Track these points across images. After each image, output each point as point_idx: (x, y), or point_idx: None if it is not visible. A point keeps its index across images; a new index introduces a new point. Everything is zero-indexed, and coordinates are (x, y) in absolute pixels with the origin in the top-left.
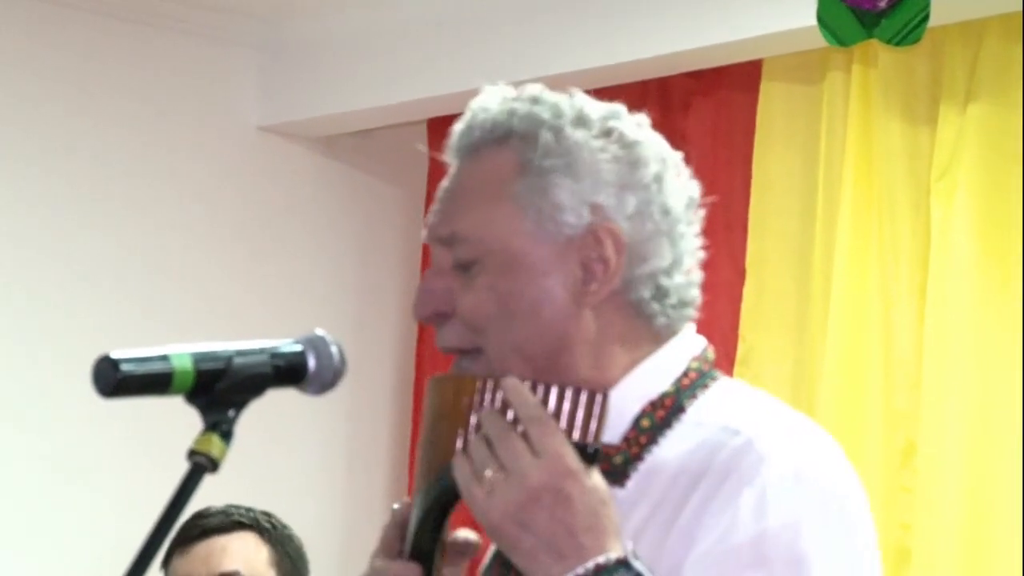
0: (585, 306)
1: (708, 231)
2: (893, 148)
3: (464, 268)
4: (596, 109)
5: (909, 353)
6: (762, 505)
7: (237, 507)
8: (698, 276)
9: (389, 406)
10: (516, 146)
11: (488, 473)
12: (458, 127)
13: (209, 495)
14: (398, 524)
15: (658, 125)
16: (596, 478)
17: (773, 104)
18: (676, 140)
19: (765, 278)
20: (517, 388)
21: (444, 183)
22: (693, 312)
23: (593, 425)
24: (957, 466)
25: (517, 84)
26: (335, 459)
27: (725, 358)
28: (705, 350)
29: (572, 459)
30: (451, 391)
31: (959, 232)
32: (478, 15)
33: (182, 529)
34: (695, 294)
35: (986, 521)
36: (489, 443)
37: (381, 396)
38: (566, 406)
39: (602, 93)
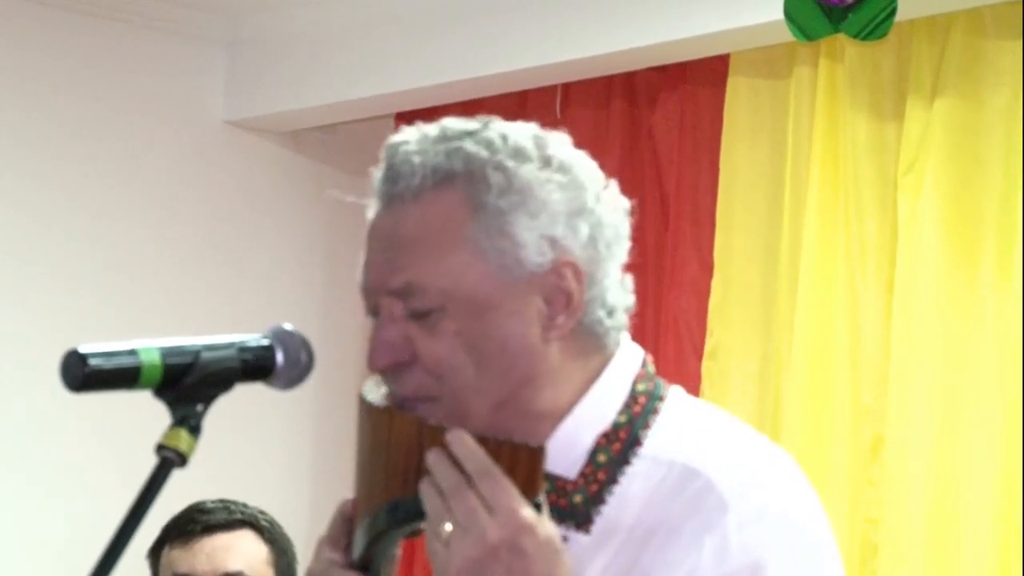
0: (551, 340)
1: (675, 225)
2: (860, 143)
3: (421, 316)
4: (525, 137)
5: (876, 348)
6: (724, 549)
7: (233, 502)
8: (629, 280)
9: (356, 401)
10: (462, 188)
11: (446, 528)
12: (383, 173)
13: (177, 490)
14: (346, 518)
15: (624, 120)
16: (549, 528)
17: (740, 99)
18: (642, 135)
19: (732, 273)
20: (464, 441)
21: (377, 230)
22: (626, 319)
23: (535, 479)
24: (924, 461)
25: (483, 79)
26: (302, 454)
27: (693, 353)
28: (645, 364)
29: (526, 513)
30: (386, 425)
31: (926, 226)
32: (445, 9)
33: (181, 522)
34: (630, 300)
35: (953, 516)
36: (442, 495)
37: (348, 390)
38: (506, 461)
39: (568, 87)
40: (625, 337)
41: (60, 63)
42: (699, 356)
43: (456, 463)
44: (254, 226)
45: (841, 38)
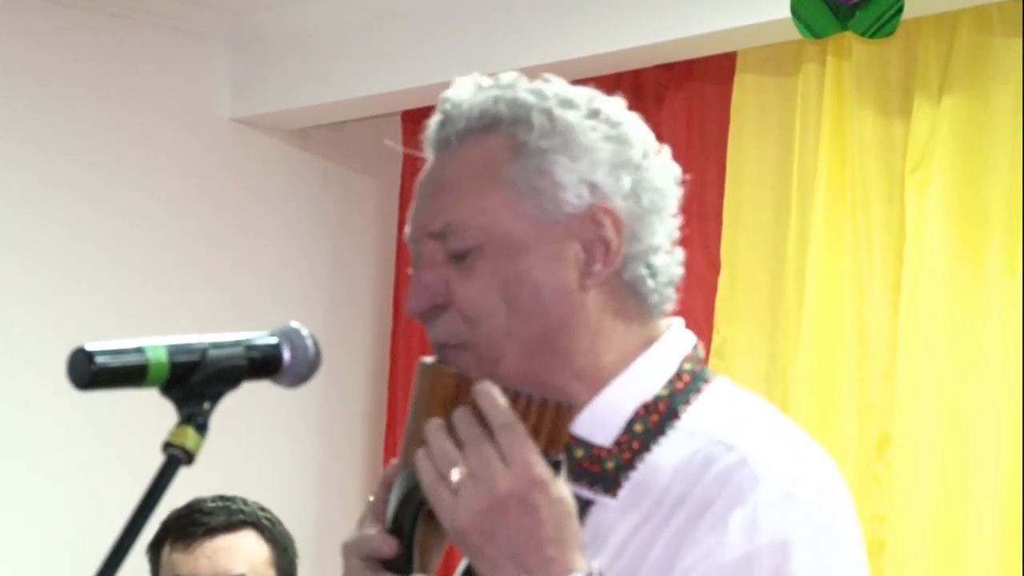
0: (588, 288)
1: (682, 222)
2: (867, 140)
3: (459, 258)
4: (577, 91)
5: (883, 345)
6: (752, 525)
7: (233, 500)
8: (680, 254)
9: (363, 398)
10: (506, 131)
11: (455, 475)
12: (436, 119)
13: (183, 487)
14: (386, 486)
15: None
16: (562, 489)
17: (747, 96)
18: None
19: (739, 270)
20: (489, 393)
21: (424, 177)
22: (675, 291)
23: (559, 437)
24: (931, 458)
25: (490, 76)
26: (310, 451)
27: None
28: (696, 348)
29: (541, 468)
30: (430, 381)
31: (933, 224)
32: (452, 7)
33: (182, 524)
34: (679, 272)
35: (960, 512)
36: (459, 444)
37: (355, 388)
38: (534, 415)
39: (575, 85)
40: (679, 321)
41: (66, 60)
42: (706, 353)
43: (481, 416)
44: (261, 224)
45: (848, 36)
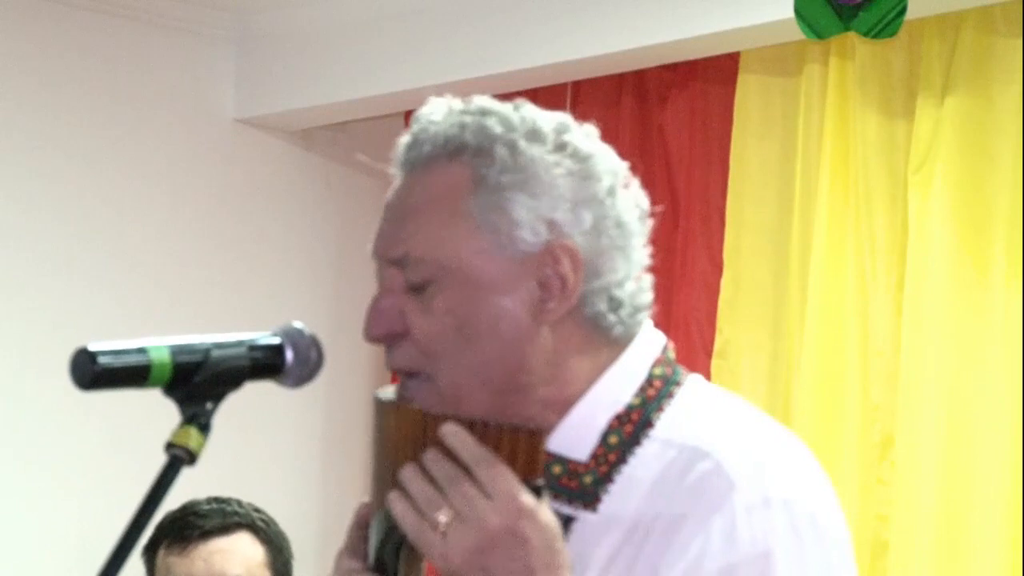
0: (543, 324)
1: (685, 223)
2: (870, 140)
3: (418, 289)
4: (547, 122)
5: (886, 345)
6: (732, 534)
7: (227, 502)
8: (648, 281)
9: (366, 399)
10: (469, 161)
11: (442, 519)
12: (405, 140)
13: (185, 487)
14: (361, 525)
15: (635, 117)
16: (547, 514)
17: (750, 97)
18: (653, 132)
19: (742, 270)
20: (457, 434)
21: (391, 199)
22: (646, 316)
23: (536, 462)
24: (934, 459)
25: (494, 77)
26: (312, 451)
27: (702, 350)
28: (665, 350)
29: (525, 498)
30: (394, 420)
31: (936, 224)
32: (455, 7)
33: (177, 527)
34: (647, 299)
35: (963, 513)
36: (437, 486)
37: (358, 389)
38: (506, 445)
39: (579, 85)
40: (647, 324)
41: (70, 61)
42: (709, 354)
43: (452, 456)
44: (264, 224)
45: (852, 36)
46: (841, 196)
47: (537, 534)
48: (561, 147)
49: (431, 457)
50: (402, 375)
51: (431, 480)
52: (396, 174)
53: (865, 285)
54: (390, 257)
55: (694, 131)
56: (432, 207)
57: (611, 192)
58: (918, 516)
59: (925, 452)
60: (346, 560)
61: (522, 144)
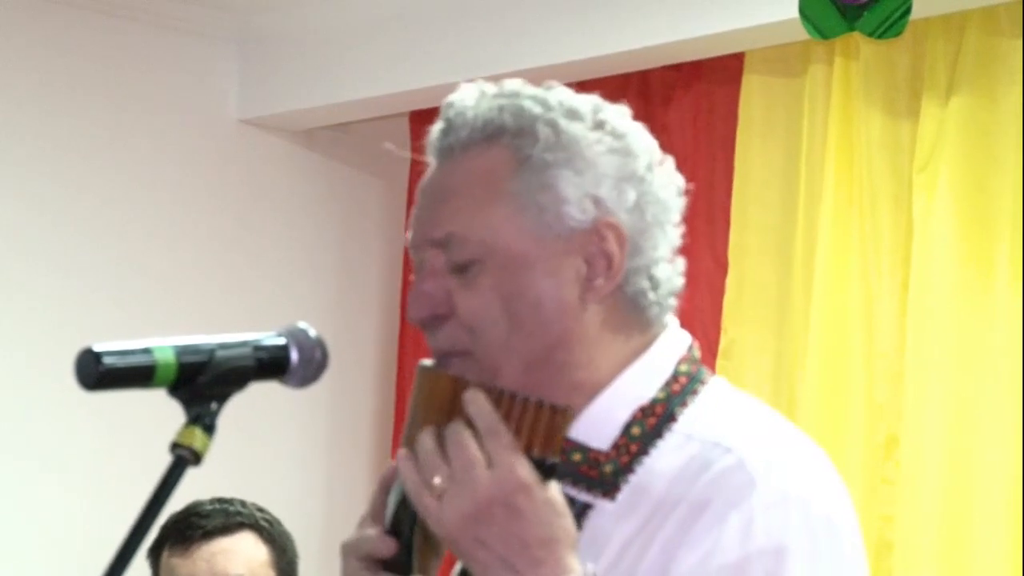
0: (589, 302)
1: (689, 223)
2: (875, 141)
3: (461, 270)
4: (582, 101)
5: (891, 346)
6: (748, 529)
7: (230, 502)
8: (681, 264)
9: (371, 399)
10: (510, 142)
11: (437, 480)
12: (438, 126)
13: (190, 487)
14: (384, 489)
15: (639, 118)
16: (552, 491)
17: (755, 97)
18: (657, 133)
19: (747, 270)
20: (477, 399)
21: (427, 184)
22: (675, 300)
23: (554, 440)
24: (939, 459)
25: (498, 77)
26: (316, 452)
27: (707, 351)
28: (691, 348)
29: (524, 472)
30: (428, 385)
31: (941, 224)
32: (459, 8)
33: (180, 527)
34: (680, 282)
35: (968, 513)
36: (444, 451)
37: (363, 389)
38: (529, 418)
39: (583, 86)
40: (674, 322)
41: (74, 61)
42: (713, 354)
43: (473, 425)
44: (267, 224)
45: (856, 36)
46: (845, 196)
47: (533, 509)
48: (600, 125)
49: (452, 424)
50: (442, 356)
51: (442, 445)
52: (431, 161)
53: (869, 285)
54: (432, 238)
55: (698, 131)
56: (474, 189)
57: (650, 169)
58: (923, 516)
59: (930, 452)
60: (367, 524)
61: (563, 122)
